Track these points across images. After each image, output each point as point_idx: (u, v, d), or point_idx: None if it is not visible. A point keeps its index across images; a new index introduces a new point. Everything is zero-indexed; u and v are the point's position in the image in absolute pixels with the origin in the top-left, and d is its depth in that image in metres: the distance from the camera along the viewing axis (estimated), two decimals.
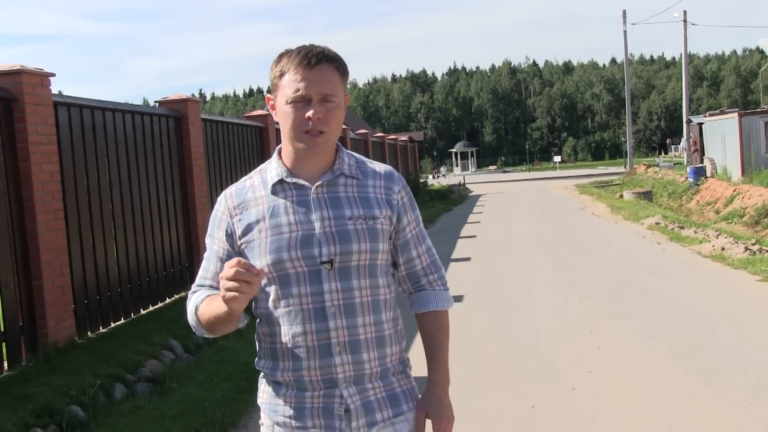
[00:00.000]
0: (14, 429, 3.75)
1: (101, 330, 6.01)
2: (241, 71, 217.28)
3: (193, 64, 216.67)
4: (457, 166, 62.95)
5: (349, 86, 1.92)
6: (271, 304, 1.64)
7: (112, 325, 6.21)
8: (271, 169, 1.69)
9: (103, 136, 6.34)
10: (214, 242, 1.71)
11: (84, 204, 5.93)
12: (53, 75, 5.50)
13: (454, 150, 66.46)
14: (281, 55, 1.64)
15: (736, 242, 9.80)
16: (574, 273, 8.73)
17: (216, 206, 1.73)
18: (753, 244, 9.57)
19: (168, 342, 5.65)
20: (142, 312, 6.74)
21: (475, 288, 8.08)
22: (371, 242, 1.63)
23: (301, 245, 1.60)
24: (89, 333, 5.81)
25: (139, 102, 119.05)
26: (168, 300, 7.27)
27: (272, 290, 1.63)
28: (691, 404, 4.05)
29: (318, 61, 1.59)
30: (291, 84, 1.59)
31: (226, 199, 1.71)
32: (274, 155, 1.71)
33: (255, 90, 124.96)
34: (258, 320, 1.71)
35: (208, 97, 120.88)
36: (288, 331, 1.62)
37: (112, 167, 6.46)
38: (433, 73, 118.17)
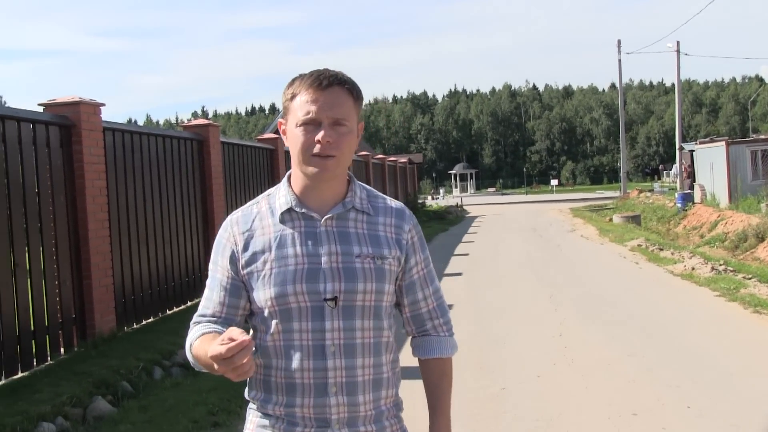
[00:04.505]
0: (82, 395, 4.65)
1: (135, 326, 6.91)
2: (244, 89, 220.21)
3: (195, 82, 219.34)
4: (456, 187, 63.93)
5: None
6: (270, 337, 1.57)
7: (144, 322, 7.11)
8: (280, 196, 1.61)
9: (139, 156, 7.29)
10: (217, 270, 1.63)
11: (123, 215, 6.86)
12: (104, 105, 6.46)
13: (453, 171, 67.50)
14: (294, 79, 1.59)
15: (706, 263, 10.71)
16: (555, 287, 9.62)
17: (221, 231, 1.64)
18: (720, 265, 10.48)
19: None
20: (168, 312, 7.64)
21: (464, 299, 8.97)
22: (377, 282, 1.57)
23: (306, 279, 1.54)
24: (125, 328, 6.71)
25: (143, 119, 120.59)
26: (189, 303, 8.16)
27: (273, 324, 1.56)
28: (631, 387, 4.96)
29: (330, 83, 1.54)
30: (302, 106, 1.54)
31: (232, 225, 1.62)
32: (284, 181, 1.64)
33: (257, 109, 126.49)
34: (254, 350, 1.62)
35: (210, 114, 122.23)
36: (285, 366, 1.56)
37: (146, 183, 7.39)
38: (433, 95, 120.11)
